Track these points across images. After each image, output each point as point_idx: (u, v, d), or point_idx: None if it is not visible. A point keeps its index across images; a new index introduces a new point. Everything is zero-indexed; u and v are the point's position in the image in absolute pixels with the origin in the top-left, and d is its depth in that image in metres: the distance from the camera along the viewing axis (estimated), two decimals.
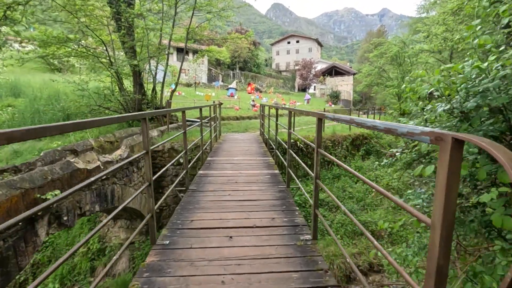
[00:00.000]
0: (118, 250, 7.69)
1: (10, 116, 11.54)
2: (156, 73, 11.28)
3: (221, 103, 19.83)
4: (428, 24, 21.85)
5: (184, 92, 24.59)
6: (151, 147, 2.71)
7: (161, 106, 11.21)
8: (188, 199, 3.65)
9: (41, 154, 5.01)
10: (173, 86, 24.08)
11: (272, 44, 64.76)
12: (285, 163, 4.34)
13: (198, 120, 13.65)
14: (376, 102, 58.00)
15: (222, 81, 42.54)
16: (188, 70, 31.21)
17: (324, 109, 13.93)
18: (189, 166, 4.58)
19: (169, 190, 3.72)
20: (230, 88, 28.34)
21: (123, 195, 6.46)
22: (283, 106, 22.52)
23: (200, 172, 4.93)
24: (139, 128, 9.65)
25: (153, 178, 2.83)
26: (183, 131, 3.89)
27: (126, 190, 6.67)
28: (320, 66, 49.41)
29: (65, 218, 4.23)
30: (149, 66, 11.14)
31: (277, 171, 4.98)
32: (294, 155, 3.78)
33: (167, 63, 11.17)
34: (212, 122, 8.62)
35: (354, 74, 49.03)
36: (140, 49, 10.33)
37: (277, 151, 5.49)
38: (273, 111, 7.99)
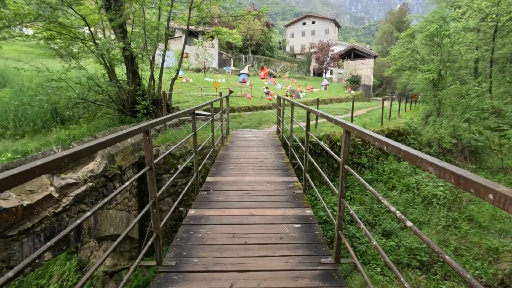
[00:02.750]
0: (102, 281, 6.23)
1: None
2: (153, 58, 9.51)
3: (232, 91, 17.99)
4: None
5: (192, 78, 22.81)
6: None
7: (159, 97, 9.51)
8: None
9: None
10: (181, 72, 22.38)
11: (286, 26, 61.44)
12: (320, 199, 2.57)
13: (206, 114, 11.91)
14: (397, 87, 54.71)
15: (234, 65, 40.38)
16: (198, 54, 29.25)
17: (353, 100, 11.89)
18: (176, 205, 2.90)
19: (132, 268, 2.07)
20: (242, 73, 26.31)
21: (99, 223, 4.89)
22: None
23: (191, 212, 3.21)
24: (130, 126, 8.02)
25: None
26: (147, 168, 2.15)
27: (104, 214, 5.09)
28: (338, 49, 46.19)
29: None
30: (146, 49, 9.35)
31: (309, 212, 3.21)
32: (355, 215, 2.01)
33: (165, 46, 9.35)
34: (219, 115, 6.89)
35: (375, 56, 45.76)
36: (131, 28, 8.55)
37: (306, 174, 3.70)
38: (298, 111, 6.09)
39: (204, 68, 28.12)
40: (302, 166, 3.84)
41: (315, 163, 3.43)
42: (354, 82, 34.87)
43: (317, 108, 10.24)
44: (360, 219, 7.69)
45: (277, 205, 3.38)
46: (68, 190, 4.09)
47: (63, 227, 3.94)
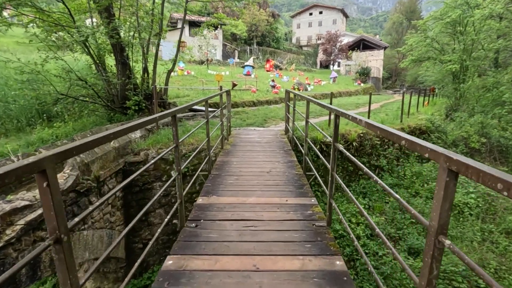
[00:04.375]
0: None
1: None
2: (147, 48, 8.49)
3: (235, 84, 16.92)
4: None
5: (194, 70, 21.72)
6: None
7: (153, 92, 8.50)
8: None
9: None
10: (182, 65, 21.32)
11: (293, 16, 59.63)
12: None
13: (203, 109, 10.84)
14: (407, 79, 52.93)
15: (238, 57, 39.11)
16: (200, 46, 28.07)
17: (370, 94, 10.74)
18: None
19: None
20: (247, 65, 25.14)
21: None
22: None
23: (169, 264, 2.21)
24: (119, 125, 7.04)
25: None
26: (46, 245, 1.13)
27: (75, 238, 4.15)
28: (346, 40, 44.47)
29: None
30: (139, 37, 8.28)
31: (341, 263, 2.20)
32: None
33: (160, 34, 8.31)
34: (219, 112, 5.89)
35: (385, 47, 44.07)
36: (125, 15, 7.52)
37: (333, 201, 2.68)
38: (310, 109, 4.82)
39: (207, 60, 27.00)
40: (326, 190, 2.80)
41: (344, 185, 2.41)
42: (364, 74, 33.40)
43: (331, 103, 9.14)
44: (381, 232, 6.66)
45: (292, 250, 2.36)
46: (17, 217, 3.13)
47: (8, 266, 2.99)
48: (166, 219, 2.56)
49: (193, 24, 30.37)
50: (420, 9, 70.64)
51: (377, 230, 1.80)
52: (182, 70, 19.83)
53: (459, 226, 7.07)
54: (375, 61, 41.75)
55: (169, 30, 24.64)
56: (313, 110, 12.32)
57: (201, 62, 28.17)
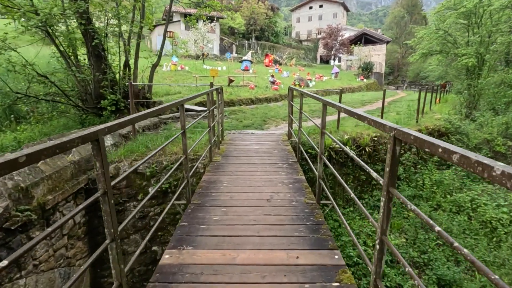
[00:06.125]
0: None
1: None
2: (128, 38, 7.30)
3: (232, 80, 15.70)
4: None
5: (189, 65, 20.46)
6: None
7: (135, 89, 7.32)
8: None
9: None
10: (175, 59, 20.05)
11: (292, 10, 58.16)
12: None
13: (197, 109, 9.64)
14: (408, 74, 51.73)
15: (236, 52, 37.75)
16: (196, 40, 26.73)
17: (384, 91, 9.57)
18: None
19: None
20: (245, 60, 23.85)
21: None
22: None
23: None
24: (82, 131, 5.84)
25: None
26: None
27: None
28: (348, 34, 43.15)
29: None
30: (118, 24, 7.06)
31: None
32: None
33: (141, 18, 7.13)
34: (212, 113, 4.76)
35: (387, 42, 42.82)
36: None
37: (379, 282, 1.56)
38: (310, 103, 3.55)
39: (203, 54, 25.71)
40: (370, 265, 1.68)
41: (399, 255, 1.30)
42: (367, 69, 32.13)
43: (340, 102, 8.00)
44: (403, 257, 5.58)
45: None
46: None
47: None
48: (141, 245, 1.42)
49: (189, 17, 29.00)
50: (421, 3, 69.45)
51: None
52: (175, 65, 18.60)
53: (493, 248, 6.00)
54: (377, 56, 40.49)
55: (162, 24, 23.33)
56: (317, 109, 11.15)
57: (197, 57, 26.89)
